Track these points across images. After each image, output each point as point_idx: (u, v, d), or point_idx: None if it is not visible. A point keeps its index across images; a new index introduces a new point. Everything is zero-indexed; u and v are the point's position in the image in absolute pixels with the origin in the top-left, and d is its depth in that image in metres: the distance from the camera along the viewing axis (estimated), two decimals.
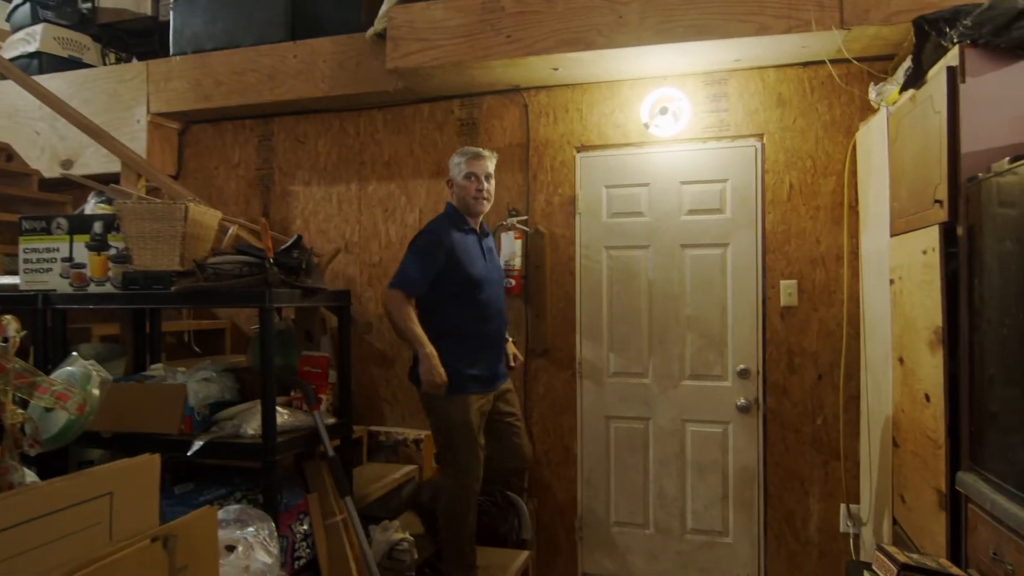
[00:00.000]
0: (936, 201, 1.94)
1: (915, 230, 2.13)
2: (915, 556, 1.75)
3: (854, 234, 2.92)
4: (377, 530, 2.24)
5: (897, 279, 2.34)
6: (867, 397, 2.80)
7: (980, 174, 1.73)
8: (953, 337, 1.87)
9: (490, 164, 2.70)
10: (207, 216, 2.26)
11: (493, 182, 2.73)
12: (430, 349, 2.49)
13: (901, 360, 2.30)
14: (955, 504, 1.85)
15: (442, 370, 2.48)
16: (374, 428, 3.41)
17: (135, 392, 2.10)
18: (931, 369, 1.98)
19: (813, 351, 2.97)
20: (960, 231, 1.85)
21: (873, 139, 2.68)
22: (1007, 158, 1.61)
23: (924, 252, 2.02)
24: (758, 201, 3.07)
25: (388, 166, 3.57)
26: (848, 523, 2.89)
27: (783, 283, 3.01)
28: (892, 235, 2.42)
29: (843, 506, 2.91)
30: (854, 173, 2.93)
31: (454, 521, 2.61)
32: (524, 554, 3.04)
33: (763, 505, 3.03)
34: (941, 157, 1.91)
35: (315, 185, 3.69)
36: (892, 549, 1.78)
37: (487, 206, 2.72)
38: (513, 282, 3.18)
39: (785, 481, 2.99)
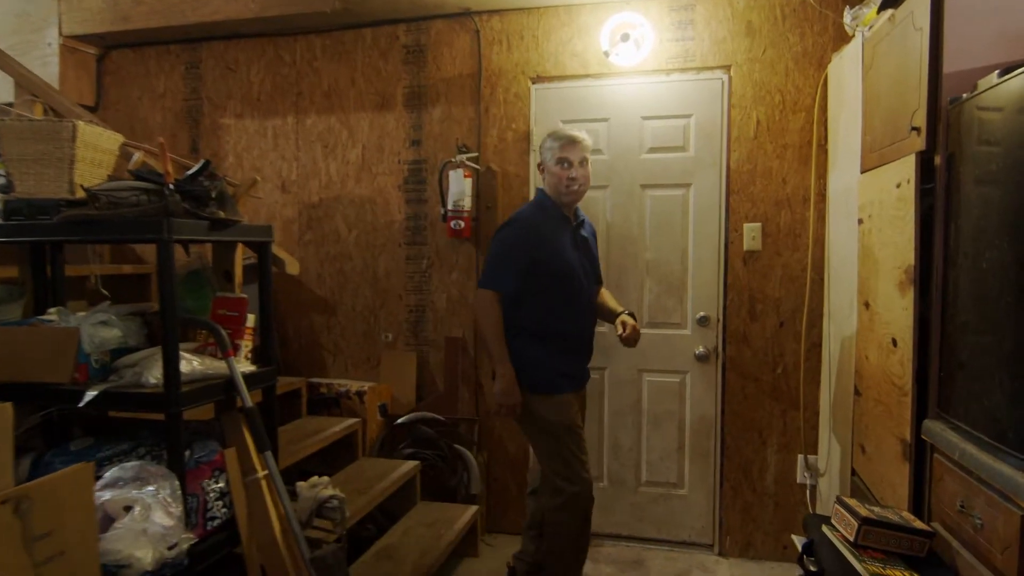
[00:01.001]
0: (913, 128, 1.77)
1: (888, 163, 1.97)
2: (876, 509, 1.64)
3: (822, 174, 2.77)
4: (304, 487, 2.06)
5: (866, 218, 2.19)
6: (829, 345, 2.69)
7: (965, 94, 1.56)
8: (926, 277, 1.72)
9: (587, 149, 2.36)
10: (104, 139, 1.97)
11: (589, 167, 2.38)
12: (509, 368, 2.26)
13: (867, 304, 2.17)
14: (920, 454, 1.74)
15: (518, 392, 2.27)
16: (315, 380, 3.21)
17: (21, 336, 1.85)
18: (900, 312, 1.84)
19: (776, 297, 2.84)
20: (938, 160, 1.69)
21: (846, 70, 2.50)
22: (995, 72, 1.43)
23: (898, 185, 1.86)
24: (723, 138, 2.88)
25: (328, 97, 3.27)
26: (805, 474, 2.82)
27: (747, 226, 2.85)
28: (863, 171, 2.26)
29: (801, 456, 2.83)
30: (824, 109, 2.75)
31: (570, 542, 2.31)
32: (472, 509, 2.91)
33: (720, 456, 2.93)
34: (921, 79, 1.74)
35: (248, 118, 3.38)
36: (852, 502, 1.66)
37: (582, 194, 2.38)
38: (463, 224, 2.96)
39: (743, 431, 2.89)
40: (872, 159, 2.15)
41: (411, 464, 2.98)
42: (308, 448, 2.71)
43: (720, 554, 2.94)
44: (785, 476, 2.86)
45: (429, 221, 3.15)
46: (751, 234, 2.84)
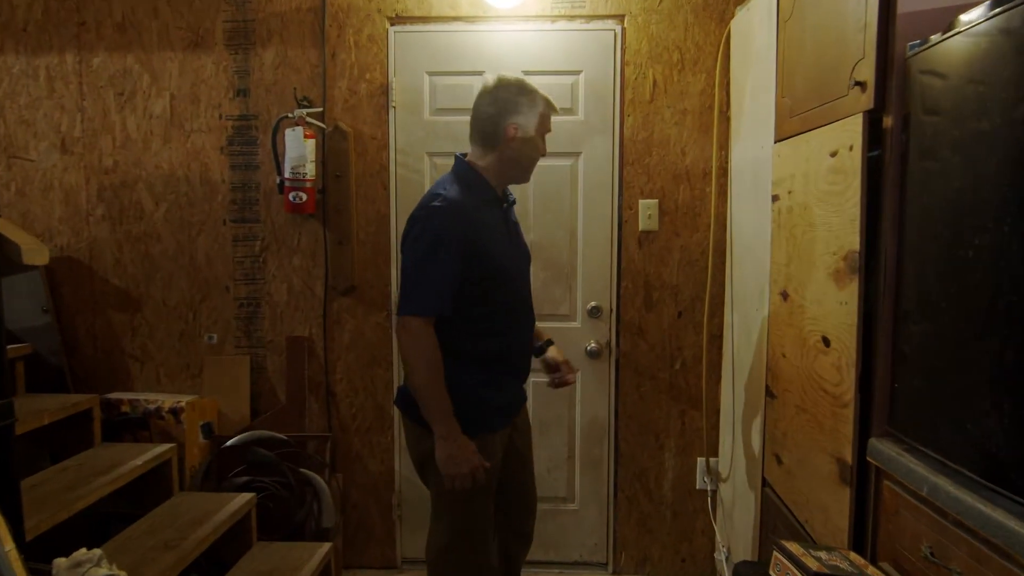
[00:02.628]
0: (856, 84, 1.47)
1: (817, 128, 1.68)
2: (822, 555, 1.33)
3: (724, 145, 2.48)
4: (64, 566, 1.47)
5: (784, 194, 1.90)
6: (732, 337, 2.43)
7: (934, 36, 1.25)
8: (873, 265, 1.43)
9: None
10: None
11: None
12: (454, 425, 1.64)
13: (785, 295, 1.89)
14: (862, 477, 1.46)
15: (473, 450, 1.66)
16: (114, 396, 2.53)
17: None
18: (835, 307, 1.55)
19: (674, 284, 2.54)
20: (888, 121, 1.39)
21: (755, 23, 2.20)
22: (982, 5, 1.13)
23: (833, 154, 1.56)
24: (616, 101, 2.52)
25: (122, 31, 2.55)
26: (706, 479, 2.57)
27: (642, 203, 2.52)
28: (778, 140, 1.97)
29: (701, 460, 2.57)
30: (727, 71, 2.46)
31: None
32: (324, 547, 2.40)
33: (613, 464, 2.62)
34: (868, 23, 1.43)
35: (11, 53, 2.58)
36: (794, 548, 1.35)
37: None
38: (304, 196, 2.39)
39: (639, 435, 2.59)
40: (792, 125, 1.86)
41: (244, 497, 2.40)
42: (96, 492, 2.07)
43: (615, 572, 2.65)
44: (684, 482, 2.60)
45: (263, 192, 2.55)
46: (647, 212, 2.52)
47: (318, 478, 2.52)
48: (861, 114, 1.43)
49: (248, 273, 2.58)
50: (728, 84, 2.46)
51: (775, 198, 1.98)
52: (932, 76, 1.26)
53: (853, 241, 1.46)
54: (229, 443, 2.52)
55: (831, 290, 1.58)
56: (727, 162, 2.47)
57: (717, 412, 2.54)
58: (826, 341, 1.61)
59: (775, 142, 2.00)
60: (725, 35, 2.44)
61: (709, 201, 2.50)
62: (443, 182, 1.74)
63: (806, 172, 1.73)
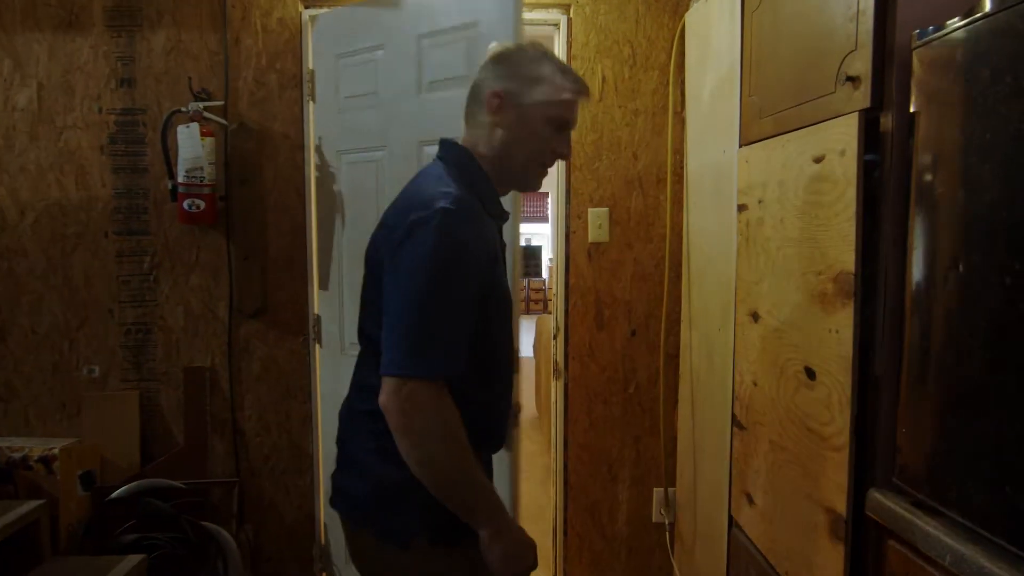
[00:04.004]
0: (848, 79, 1.28)
1: (795, 130, 1.49)
2: None
3: (679, 149, 2.30)
4: None
5: (753, 204, 1.72)
6: (691, 359, 2.24)
7: (952, 22, 1.07)
8: (870, 287, 1.25)
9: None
10: None
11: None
12: (506, 518, 1.13)
13: (755, 316, 1.70)
14: (860, 535, 1.28)
15: (531, 548, 1.16)
16: None
17: None
18: (823, 334, 1.37)
19: (627, 300, 2.33)
20: (888, 122, 1.21)
21: (713, 16, 2.03)
22: None
23: (818, 160, 1.38)
24: None
25: None
26: (663, 511, 2.37)
27: (592, 211, 2.31)
28: (745, 143, 1.79)
29: (658, 491, 2.38)
30: (681, 67, 2.28)
31: None
32: None
33: (563, 499, 2.39)
34: (862, 9, 1.25)
35: None
36: None
37: None
38: (203, 204, 2.06)
39: (590, 465, 2.37)
40: (762, 127, 1.67)
41: (134, 560, 2.04)
42: None
43: None
44: (639, 515, 2.40)
45: (153, 200, 2.19)
46: (597, 222, 2.31)
47: (223, 532, 2.18)
48: (856, 114, 1.25)
49: (136, 294, 2.21)
50: (683, 82, 2.27)
51: (742, 208, 1.80)
52: (950, 69, 1.08)
53: (846, 260, 1.28)
54: (115, 495, 2.15)
55: (816, 315, 1.39)
56: (683, 167, 2.29)
57: (674, 439, 2.35)
58: (810, 373, 1.42)
59: (740, 146, 1.82)
60: (679, 29, 2.25)
61: (664, 210, 2.31)
62: (438, 174, 1.18)
63: (782, 180, 1.55)
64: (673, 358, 2.34)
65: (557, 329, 2.35)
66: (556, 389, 2.37)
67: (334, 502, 1.23)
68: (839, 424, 1.31)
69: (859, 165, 1.24)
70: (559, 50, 2.29)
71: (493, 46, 1.30)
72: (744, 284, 1.79)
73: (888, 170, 1.22)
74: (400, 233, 1.08)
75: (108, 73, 2.17)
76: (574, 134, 2.19)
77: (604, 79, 2.29)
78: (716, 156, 2.01)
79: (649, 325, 2.34)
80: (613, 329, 2.34)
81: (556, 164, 2.20)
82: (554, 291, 2.39)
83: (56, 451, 2.11)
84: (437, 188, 1.12)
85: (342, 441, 1.26)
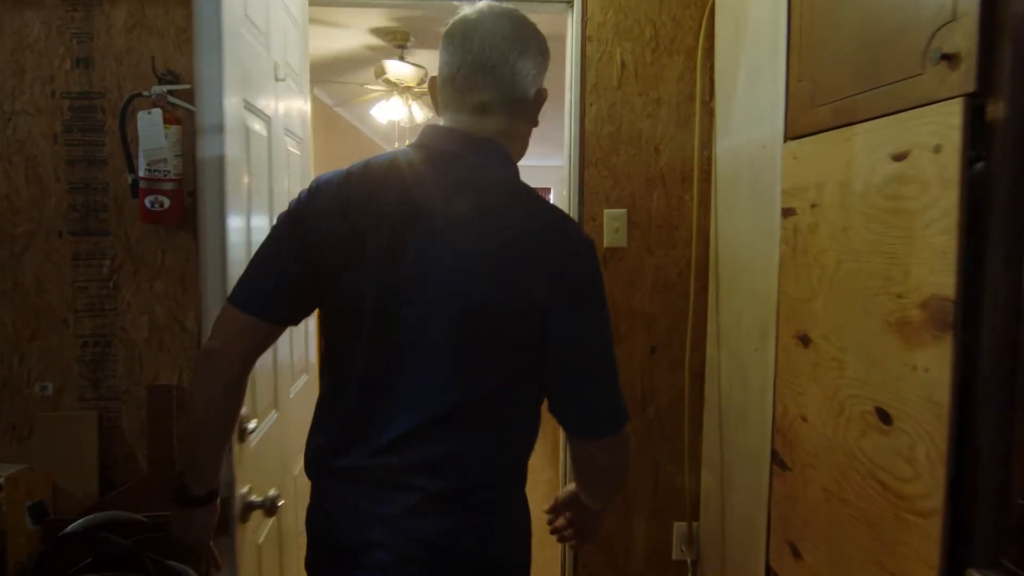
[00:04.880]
0: (944, 57, 1.03)
1: (864, 121, 1.24)
2: None
3: (707, 143, 2.05)
4: None
5: (804, 208, 1.46)
6: (718, 379, 2.00)
7: None
8: (972, 317, 1.00)
9: None
10: None
11: None
12: None
13: (805, 339, 1.45)
14: None
15: None
16: None
17: None
18: (904, 371, 1.12)
19: (646, 312, 2.08)
20: (999, 110, 0.96)
21: None
22: None
23: (899, 157, 1.13)
24: (574, 86, 2.04)
25: None
26: (683, 548, 2.13)
27: (608, 213, 2.05)
28: (793, 136, 1.53)
29: (679, 525, 2.13)
30: (710, 51, 2.02)
31: None
32: None
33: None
34: None
35: None
36: None
37: None
38: (167, 202, 1.80)
39: None
40: (816, 117, 1.42)
41: None
42: None
43: None
44: (658, 551, 2.15)
45: (112, 196, 1.94)
46: (614, 224, 2.05)
47: (190, 572, 1.93)
48: (959, 100, 0.99)
49: (94, 302, 1.96)
50: (712, 68, 2.02)
51: (788, 212, 1.54)
52: None
53: (941, 282, 1.03)
54: (69, 529, 1.90)
55: (893, 346, 1.14)
56: (711, 164, 2.04)
57: (698, 468, 2.11)
58: (884, 415, 1.17)
59: (786, 140, 1.57)
60: (709, 7, 2.00)
61: (689, 211, 2.06)
62: (533, 192, 1.01)
63: (845, 180, 1.30)
64: (698, 378, 2.09)
65: None
66: None
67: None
68: (927, 484, 1.06)
69: (963, 165, 0.99)
70: (571, 31, 2.04)
71: (488, 5, 1.02)
72: (790, 301, 1.54)
73: (998, 171, 0.97)
74: (579, 263, 0.95)
75: (63, 52, 1.91)
76: (588, 125, 1.94)
77: (623, 64, 2.03)
78: (753, 151, 1.76)
79: (671, 341, 2.09)
80: (631, 344, 2.09)
81: (568, 159, 1.95)
82: None
83: (1, 480, 1.87)
84: (560, 211, 1.00)
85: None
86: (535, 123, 1.05)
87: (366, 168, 0.99)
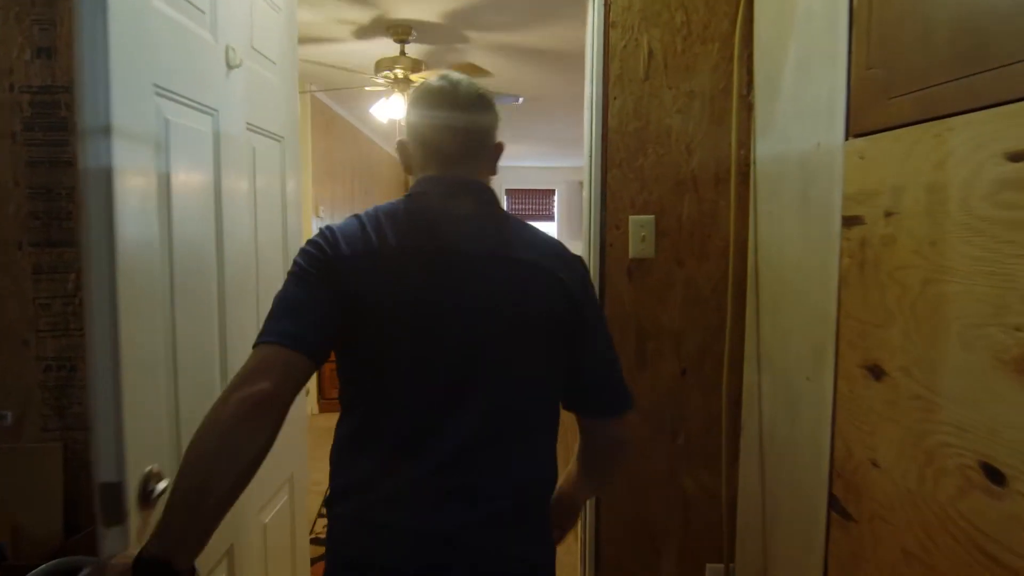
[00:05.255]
0: None
1: (962, 113, 1.02)
2: None
3: (745, 142, 1.83)
4: None
5: (875, 216, 1.25)
6: (758, 406, 1.78)
7: None
8: None
9: None
10: None
11: None
12: None
13: (876, 371, 1.24)
14: None
15: None
16: None
17: None
18: (1021, 419, 0.90)
19: (676, 331, 1.87)
20: None
21: None
22: None
23: (1015, 157, 0.91)
24: (596, 77, 1.83)
25: None
26: None
27: (634, 220, 1.84)
28: (859, 133, 1.32)
29: (712, 568, 1.92)
30: (749, 38, 1.81)
31: None
32: None
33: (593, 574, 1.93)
34: None
35: None
36: None
37: None
38: None
39: (629, 535, 1.92)
40: (894, 109, 1.21)
41: None
42: None
43: None
44: None
45: (78, 202, 1.72)
46: (640, 232, 1.84)
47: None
48: None
49: (58, 321, 1.75)
50: (750, 57, 1.80)
51: (853, 221, 1.33)
52: None
53: None
54: (31, 575, 1.70)
55: (1008, 391, 0.93)
56: (750, 164, 1.82)
57: (734, 504, 1.89)
58: (994, 474, 0.95)
59: (849, 136, 1.35)
60: None
61: (725, 218, 1.84)
62: (525, 222, 1.17)
63: (935, 184, 1.08)
64: (735, 404, 1.87)
65: None
66: None
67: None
68: None
69: None
70: (593, 16, 1.83)
71: (453, 76, 1.14)
72: (856, 324, 1.32)
73: None
74: (586, 285, 1.11)
75: (21, 41, 1.70)
76: (612, 122, 1.73)
77: (651, 53, 1.82)
78: (804, 149, 1.55)
79: (704, 362, 1.87)
80: (658, 367, 1.87)
81: (589, 159, 1.74)
82: None
83: None
84: (548, 235, 1.14)
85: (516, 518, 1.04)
86: (495, 172, 1.17)
87: (378, 215, 1.05)
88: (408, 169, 1.15)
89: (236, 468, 0.86)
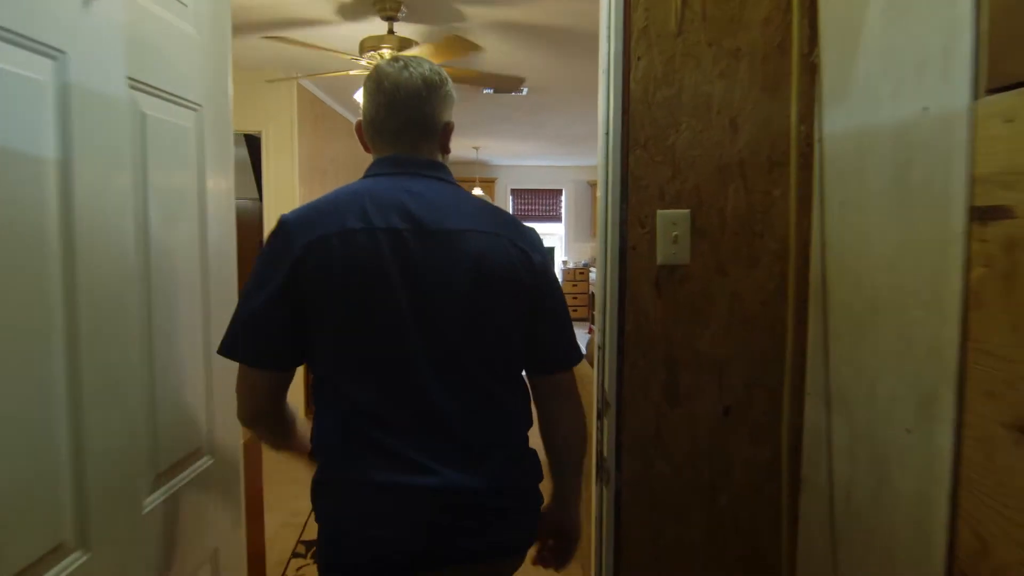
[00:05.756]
0: None
1: None
2: None
3: (807, 114, 1.42)
4: None
5: None
6: (826, 460, 1.38)
7: None
8: None
9: None
10: None
11: None
12: None
13: None
14: None
15: None
16: None
17: None
18: None
19: (717, 358, 1.46)
20: None
21: None
22: None
23: None
24: (614, 30, 1.43)
25: None
26: None
27: (663, 215, 1.44)
28: (997, 88, 0.91)
29: None
30: None
31: None
32: None
33: None
34: None
35: None
36: None
37: None
38: None
39: None
40: None
41: None
42: None
43: None
44: None
45: None
46: (671, 231, 1.44)
47: None
48: None
49: None
50: (814, 4, 1.40)
51: (992, 214, 0.92)
52: None
53: None
54: None
55: None
56: (813, 142, 1.41)
57: None
58: None
59: (981, 94, 0.94)
60: None
61: (781, 213, 1.44)
62: (475, 195, 1.31)
63: None
64: (794, 453, 1.46)
65: (604, 405, 1.48)
66: (603, 499, 1.50)
67: (501, 545, 1.14)
68: None
69: None
70: None
71: (417, 65, 1.20)
72: (995, 364, 0.91)
73: None
74: (539, 254, 1.20)
75: None
76: (635, 89, 1.34)
77: (685, 1, 1.41)
78: (900, 118, 1.14)
79: (753, 400, 1.46)
80: (694, 405, 1.47)
81: (605, 139, 1.36)
82: (598, 341, 1.51)
83: None
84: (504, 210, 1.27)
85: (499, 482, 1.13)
86: (448, 151, 1.26)
87: (337, 200, 1.12)
88: (366, 148, 1.26)
89: (270, 448, 1.24)
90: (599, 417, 1.51)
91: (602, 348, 1.49)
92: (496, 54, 4.17)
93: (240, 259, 1.49)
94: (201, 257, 1.29)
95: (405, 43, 3.14)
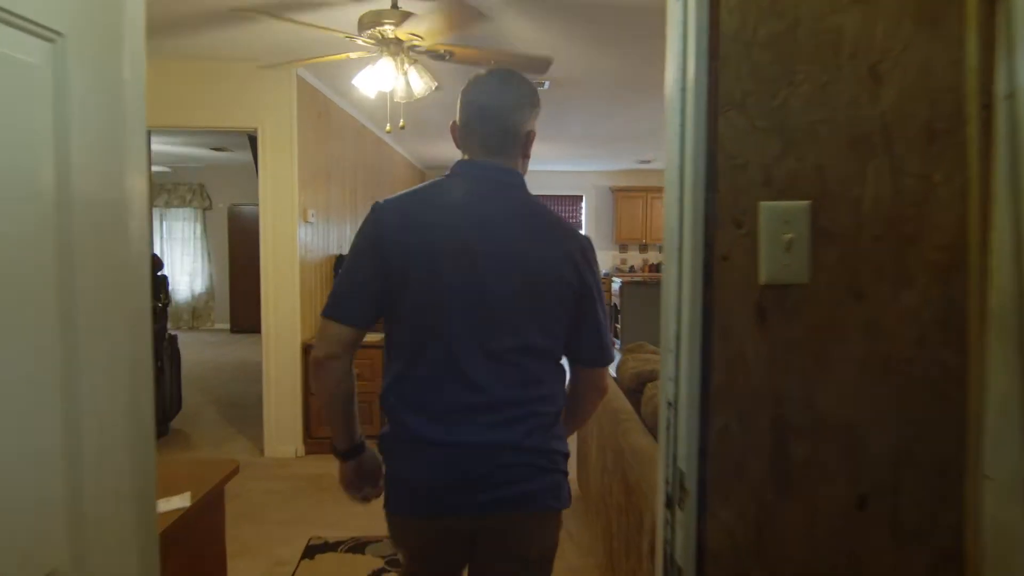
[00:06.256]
0: None
1: None
2: None
3: (987, 65, 0.95)
4: None
5: None
6: (1010, 569, 0.89)
7: None
8: None
9: None
10: None
11: None
12: None
13: None
14: None
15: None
16: None
17: None
18: None
19: (846, 422, 0.99)
20: None
21: None
22: None
23: None
24: None
25: None
26: None
27: (770, 208, 0.97)
28: None
29: None
30: None
31: None
32: None
33: None
34: None
35: None
36: None
37: None
38: None
39: None
40: None
41: None
42: None
43: None
44: None
45: None
46: (782, 233, 0.97)
47: None
48: None
49: None
50: None
51: None
52: None
53: None
54: None
55: None
56: (995, 102, 0.94)
57: None
58: None
59: None
60: None
61: (947, 205, 0.96)
62: (538, 201, 1.51)
63: None
64: (951, 560, 0.98)
65: (678, 490, 1.01)
66: None
67: (528, 503, 1.38)
68: None
69: None
70: None
71: (510, 77, 1.46)
72: None
73: None
74: (590, 253, 1.46)
75: None
76: (726, 22, 0.86)
77: None
78: None
79: (902, 482, 0.98)
80: (813, 490, 0.99)
81: (677, 97, 0.88)
82: (668, 396, 1.04)
83: None
84: (558, 215, 1.53)
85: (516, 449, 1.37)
86: (528, 155, 1.51)
87: (422, 193, 1.41)
88: (457, 146, 1.46)
89: (325, 398, 1.43)
90: (667, 506, 1.04)
91: (673, 406, 1.02)
92: (514, 40, 3.73)
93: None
94: (59, 283, 0.84)
95: (405, 16, 2.71)
